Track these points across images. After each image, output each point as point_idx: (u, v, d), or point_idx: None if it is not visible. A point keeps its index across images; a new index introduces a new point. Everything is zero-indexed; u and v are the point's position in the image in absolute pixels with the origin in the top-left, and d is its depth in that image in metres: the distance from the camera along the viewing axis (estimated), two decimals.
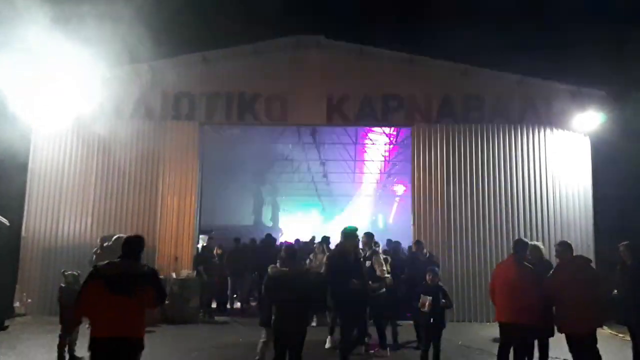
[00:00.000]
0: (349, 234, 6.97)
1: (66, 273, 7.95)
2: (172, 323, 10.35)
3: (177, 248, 11.57)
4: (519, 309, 6.02)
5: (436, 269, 7.29)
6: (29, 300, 11.29)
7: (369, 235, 8.31)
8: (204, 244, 12.32)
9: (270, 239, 13.37)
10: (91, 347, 4.30)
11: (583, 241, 11.55)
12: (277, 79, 12.13)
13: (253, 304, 12.87)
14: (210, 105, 12.08)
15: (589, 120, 11.79)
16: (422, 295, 6.76)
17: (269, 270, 5.80)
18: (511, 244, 11.35)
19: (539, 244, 7.33)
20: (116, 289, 4.29)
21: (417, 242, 9.88)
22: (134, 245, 4.65)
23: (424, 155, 12.00)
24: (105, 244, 7.60)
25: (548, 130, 12.09)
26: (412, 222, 12.05)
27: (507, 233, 11.68)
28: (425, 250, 9.81)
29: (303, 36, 12.17)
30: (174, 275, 11.08)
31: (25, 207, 11.78)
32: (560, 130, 12.07)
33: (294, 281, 5.62)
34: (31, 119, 11.76)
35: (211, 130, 13.83)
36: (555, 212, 11.81)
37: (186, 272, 11.17)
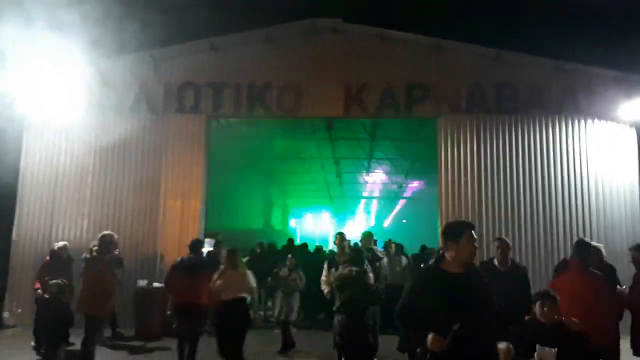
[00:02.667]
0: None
1: (51, 282, 7.02)
2: (174, 336, 9.33)
3: (180, 254, 10.47)
4: (594, 328, 4.89)
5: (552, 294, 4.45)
6: (19, 311, 10.32)
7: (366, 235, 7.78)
8: (210, 249, 11.25)
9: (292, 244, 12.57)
10: (176, 310, 6.93)
11: (630, 242, 10.22)
12: (290, 67, 11.09)
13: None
14: (217, 96, 11.06)
15: (635, 110, 10.58)
16: (538, 346, 4.11)
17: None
18: (548, 247, 10.64)
19: (600, 245, 6.15)
20: (187, 272, 6.87)
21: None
22: (196, 244, 7.43)
23: (452, 149, 10.89)
24: (94, 248, 6.93)
25: (589, 121, 10.92)
26: (439, 224, 10.94)
27: (545, 235, 10.55)
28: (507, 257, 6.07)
29: (319, 20, 11.09)
30: None
31: (17, 210, 10.84)
32: (603, 121, 10.88)
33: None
34: (22, 115, 10.81)
35: (217, 124, 12.83)
36: (599, 212, 10.64)
37: None
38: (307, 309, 11.14)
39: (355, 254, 6.14)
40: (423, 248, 12.63)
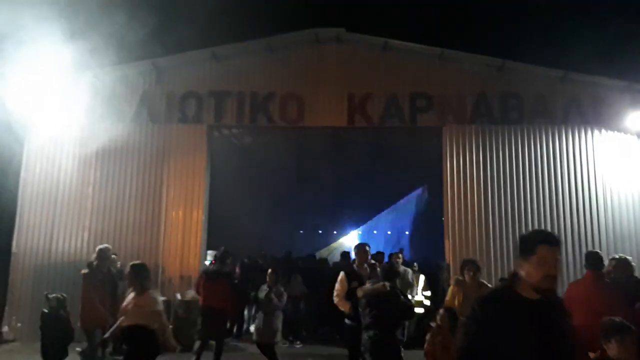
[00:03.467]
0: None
1: (50, 296, 6.85)
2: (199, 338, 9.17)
3: (182, 266, 10.38)
4: None
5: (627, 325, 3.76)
6: (19, 325, 10.13)
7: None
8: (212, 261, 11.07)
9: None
10: (201, 312, 7.92)
11: (639, 254, 10.21)
12: (293, 76, 11.02)
13: None
14: (219, 106, 10.95)
15: None
16: None
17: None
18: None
19: (630, 258, 5.92)
20: (212, 279, 7.78)
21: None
22: (224, 255, 8.20)
23: (457, 159, 10.76)
24: (94, 262, 6.83)
25: (596, 132, 10.80)
26: (445, 236, 10.78)
27: None
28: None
29: (321, 29, 11.00)
30: (178, 296, 9.87)
31: (17, 221, 10.67)
32: (610, 131, 10.77)
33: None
34: (24, 126, 10.73)
35: (221, 137, 12.71)
36: (607, 223, 10.48)
37: (192, 292, 9.93)
38: (310, 323, 10.98)
39: (389, 268, 5.97)
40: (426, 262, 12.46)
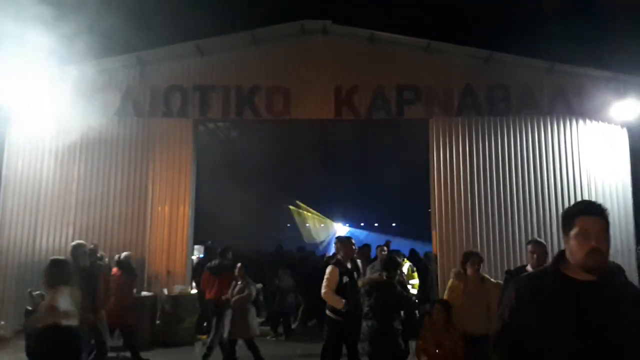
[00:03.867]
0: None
1: (34, 294, 6.80)
2: (164, 346, 9.13)
3: (169, 261, 10.29)
4: None
5: None
6: (2, 323, 10.00)
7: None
8: (200, 256, 11.01)
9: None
10: (213, 307, 8.29)
11: (623, 244, 10.29)
12: (279, 69, 10.91)
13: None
14: (204, 100, 10.83)
15: (627, 110, 10.50)
16: None
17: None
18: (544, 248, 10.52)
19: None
20: (214, 273, 8.49)
21: None
22: (225, 251, 8.83)
23: (444, 151, 10.76)
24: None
25: (581, 122, 10.85)
26: (432, 228, 10.80)
27: (539, 236, 10.39)
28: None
29: (307, 21, 10.88)
30: (165, 291, 9.80)
31: None
32: (595, 122, 10.82)
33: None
34: (4, 121, 10.56)
35: (207, 131, 12.60)
36: None
37: (179, 287, 9.88)
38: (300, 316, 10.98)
39: (388, 260, 6.01)
40: (412, 252, 12.43)
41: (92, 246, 9.45)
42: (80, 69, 10.56)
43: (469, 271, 5.81)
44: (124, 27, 10.07)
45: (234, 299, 7.63)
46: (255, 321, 7.84)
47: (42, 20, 8.87)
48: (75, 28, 9.40)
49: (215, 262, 8.73)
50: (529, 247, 5.58)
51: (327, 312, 6.13)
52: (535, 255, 5.31)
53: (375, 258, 9.82)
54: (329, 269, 6.18)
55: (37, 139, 10.69)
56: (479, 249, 10.20)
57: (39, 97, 10.38)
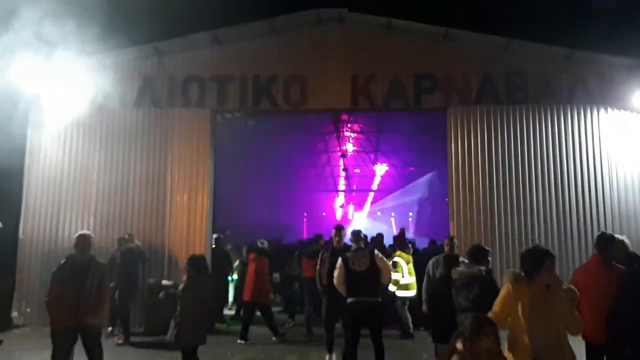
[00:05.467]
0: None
1: None
2: None
3: (188, 250, 10.39)
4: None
5: None
6: (28, 310, 10.26)
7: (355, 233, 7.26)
8: (212, 246, 11.11)
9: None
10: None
11: None
12: (296, 59, 10.90)
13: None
14: (222, 90, 10.88)
15: None
16: None
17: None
18: (562, 239, 10.43)
19: (624, 237, 5.87)
20: (309, 256, 9.48)
21: None
22: (317, 238, 10.51)
23: (462, 141, 10.67)
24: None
25: (602, 111, 10.69)
26: (449, 218, 10.76)
27: (559, 227, 10.35)
28: None
29: (324, 10, 10.83)
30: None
31: (23, 208, 10.73)
32: (616, 110, 10.66)
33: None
34: (26, 113, 10.74)
35: (224, 121, 12.65)
36: (613, 203, 10.43)
37: None
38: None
39: (478, 250, 5.76)
40: (432, 243, 12.42)
41: (127, 236, 9.71)
42: (99, 59, 10.68)
43: (544, 275, 4.09)
44: (142, 18, 10.13)
45: None
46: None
47: (61, 12, 8.98)
48: (94, 19, 9.50)
49: (310, 247, 10.16)
50: None
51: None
52: None
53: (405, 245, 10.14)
54: (338, 263, 6.81)
55: (58, 130, 10.85)
56: (497, 241, 10.25)
57: (58, 89, 10.51)
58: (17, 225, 10.63)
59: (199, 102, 10.89)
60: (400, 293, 9.43)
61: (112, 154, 10.81)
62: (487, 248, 6.03)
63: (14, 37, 8.86)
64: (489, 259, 5.90)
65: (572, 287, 4.31)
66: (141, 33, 10.53)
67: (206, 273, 6.00)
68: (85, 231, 6.13)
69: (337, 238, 7.66)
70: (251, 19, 11.03)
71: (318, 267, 7.94)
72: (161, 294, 8.37)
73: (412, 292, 9.39)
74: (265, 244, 9.82)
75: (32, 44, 9.14)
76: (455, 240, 7.94)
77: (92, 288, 5.61)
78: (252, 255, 9.47)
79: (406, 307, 9.42)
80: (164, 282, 9.90)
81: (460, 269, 5.70)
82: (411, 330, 9.26)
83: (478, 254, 5.70)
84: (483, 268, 5.57)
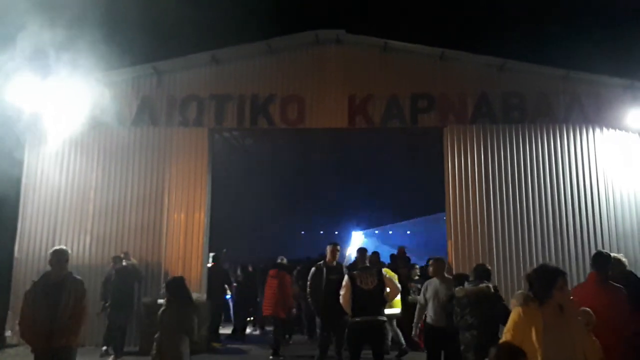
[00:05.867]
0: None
1: None
2: None
3: (184, 269, 10.35)
4: (615, 344, 4.68)
5: None
6: None
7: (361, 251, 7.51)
8: (209, 264, 11.07)
9: None
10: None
11: None
12: (294, 78, 11.01)
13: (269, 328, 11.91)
14: (220, 109, 10.95)
15: None
16: None
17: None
18: (559, 257, 10.42)
19: (621, 255, 5.88)
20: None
21: None
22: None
23: (459, 160, 10.73)
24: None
25: (598, 130, 10.78)
26: (447, 237, 10.74)
27: (555, 246, 10.36)
28: None
29: (321, 31, 10.98)
30: None
31: (19, 226, 10.69)
32: (611, 130, 10.75)
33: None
34: (24, 130, 10.76)
35: (222, 140, 12.69)
36: (610, 222, 10.45)
37: (195, 295, 9.91)
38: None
39: (484, 270, 5.86)
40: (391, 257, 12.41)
41: (122, 254, 9.68)
42: (98, 78, 10.74)
43: (558, 296, 3.61)
44: (141, 38, 10.24)
45: None
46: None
47: (60, 32, 9.07)
48: (93, 39, 9.59)
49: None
50: None
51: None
52: None
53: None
54: (345, 280, 6.82)
55: (56, 148, 10.87)
56: (494, 259, 10.22)
57: (57, 107, 10.55)
58: (12, 243, 10.59)
59: (197, 121, 10.95)
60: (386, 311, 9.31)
61: (109, 172, 10.83)
62: (488, 267, 6.07)
63: (11, 56, 8.93)
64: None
65: (588, 309, 4.06)
66: (140, 53, 10.62)
67: (182, 294, 5.70)
68: (61, 246, 5.67)
69: (330, 255, 7.80)
70: (249, 40, 11.18)
71: (308, 284, 7.99)
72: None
73: (397, 310, 9.24)
74: (285, 260, 10.05)
75: (31, 63, 9.22)
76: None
77: (67, 307, 5.14)
78: (272, 272, 9.60)
79: (394, 324, 9.29)
80: (160, 300, 9.81)
81: (466, 287, 5.71)
82: (404, 346, 9.12)
83: (484, 274, 5.76)
84: (491, 286, 5.59)
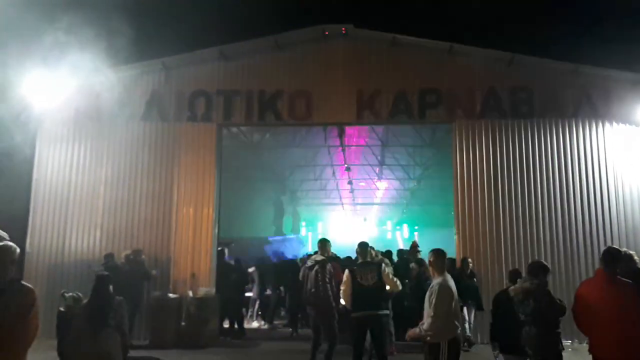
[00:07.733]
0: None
1: (66, 295, 6.94)
2: (189, 347, 9.25)
3: (193, 263, 10.43)
4: (624, 341, 4.66)
5: None
6: None
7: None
8: (231, 262, 11.14)
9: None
10: None
11: None
12: (302, 74, 11.02)
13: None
14: (228, 104, 10.99)
15: None
16: None
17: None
18: (568, 253, 10.40)
19: (633, 252, 5.84)
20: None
21: None
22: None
23: (467, 155, 10.71)
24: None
25: (607, 125, 10.72)
26: (455, 232, 10.75)
27: (564, 241, 10.33)
28: None
29: (329, 26, 10.98)
30: (190, 293, 9.95)
31: (30, 221, 10.80)
32: (621, 124, 10.68)
33: None
34: (34, 126, 10.85)
35: (229, 134, 12.74)
36: (619, 217, 10.41)
37: (204, 289, 10.02)
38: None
39: (539, 266, 5.80)
40: (400, 252, 12.33)
41: (128, 252, 9.75)
42: (107, 75, 10.78)
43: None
44: (150, 33, 10.27)
45: None
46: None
47: (71, 27, 9.10)
48: (101, 34, 9.62)
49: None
50: None
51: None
52: None
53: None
54: (345, 275, 6.83)
55: (66, 144, 10.97)
56: (502, 254, 10.22)
57: (66, 103, 10.63)
58: (24, 238, 10.68)
59: (206, 117, 10.99)
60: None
61: (119, 167, 10.90)
62: (546, 264, 6.05)
63: (21, 52, 8.98)
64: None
65: None
66: (149, 48, 10.64)
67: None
68: (6, 243, 3.99)
69: (320, 251, 7.82)
70: (257, 35, 11.16)
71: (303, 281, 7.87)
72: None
73: None
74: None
75: (41, 59, 9.26)
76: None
77: (5, 320, 3.64)
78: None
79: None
80: (170, 295, 9.91)
81: (517, 285, 5.78)
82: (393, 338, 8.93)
83: (539, 269, 5.72)
84: (536, 282, 5.61)
